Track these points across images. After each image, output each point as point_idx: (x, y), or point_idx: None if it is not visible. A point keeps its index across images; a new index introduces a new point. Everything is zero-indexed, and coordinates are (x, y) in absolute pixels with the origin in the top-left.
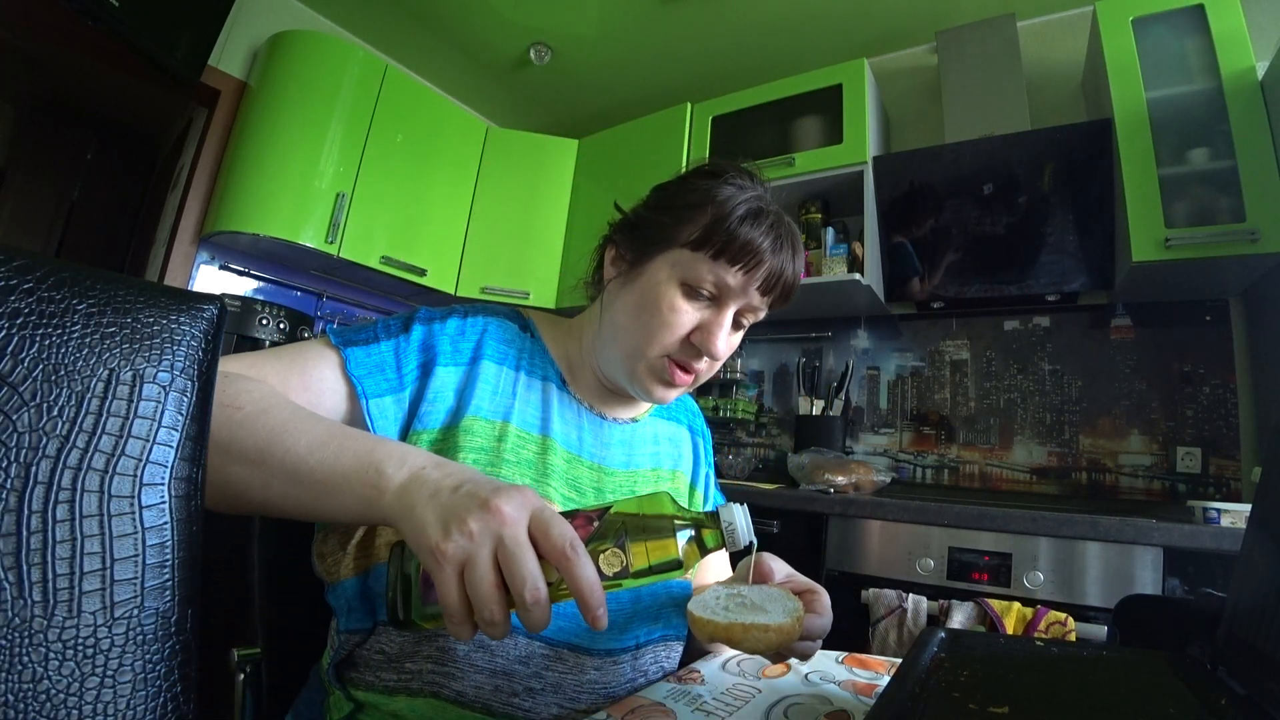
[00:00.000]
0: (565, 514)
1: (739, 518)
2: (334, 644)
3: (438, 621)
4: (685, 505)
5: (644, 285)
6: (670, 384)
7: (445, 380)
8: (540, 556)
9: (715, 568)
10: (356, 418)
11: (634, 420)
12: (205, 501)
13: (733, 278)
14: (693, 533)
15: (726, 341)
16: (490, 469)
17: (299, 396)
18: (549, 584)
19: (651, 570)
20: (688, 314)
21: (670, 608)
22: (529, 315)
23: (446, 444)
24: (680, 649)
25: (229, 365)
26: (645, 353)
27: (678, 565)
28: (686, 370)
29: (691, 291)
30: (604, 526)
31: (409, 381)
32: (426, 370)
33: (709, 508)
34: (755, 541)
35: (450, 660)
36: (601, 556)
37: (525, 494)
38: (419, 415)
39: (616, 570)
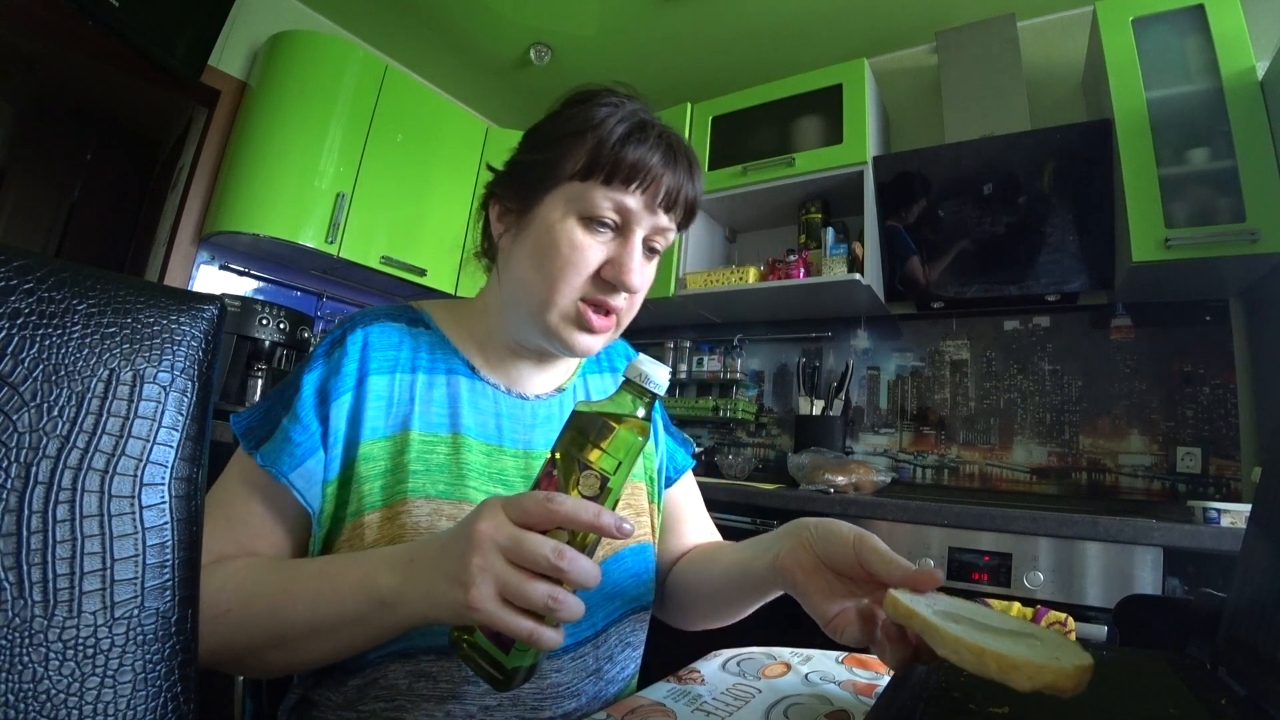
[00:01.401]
0: (533, 487)
1: (644, 365)
2: (293, 682)
3: (529, 650)
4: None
5: (538, 230)
6: (590, 329)
7: (339, 415)
8: (542, 531)
9: (694, 523)
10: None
11: (560, 390)
12: (274, 676)
13: (632, 199)
14: (621, 407)
15: (641, 272)
16: (397, 487)
17: (261, 542)
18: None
19: (623, 464)
20: (592, 249)
21: (628, 579)
22: (422, 307)
23: (349, 482)
24: (647, 619)
25: None
26: (555, 301)
27: (637, 439)
28: (604, 311)
29: (591, 224)
30: (562, 466)
31: (318, 437)
32: (326, 420)
33: (662, 454)
34: (667, 371)
35: (398, 695)
36: (580, 488)
37: (488, 503)
38: (327, 466)
39: (597, 487)
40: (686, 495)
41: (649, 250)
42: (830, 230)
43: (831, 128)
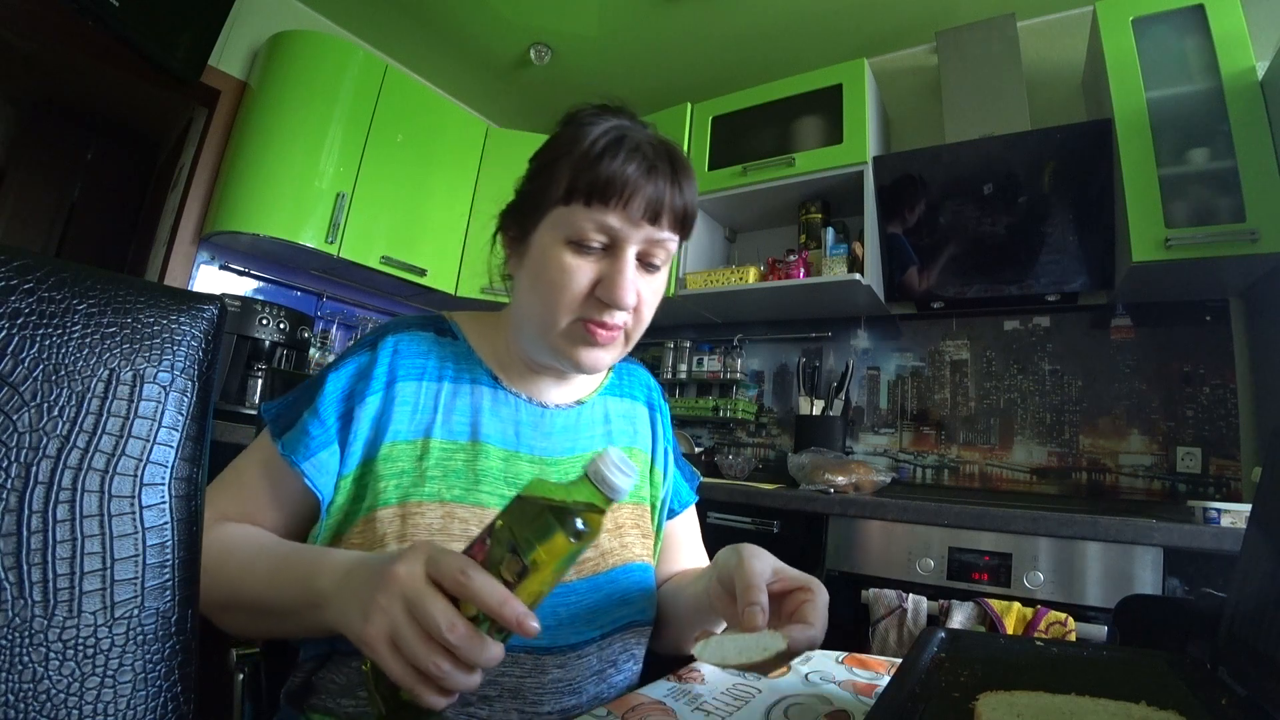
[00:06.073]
0: (467, 547)
1: (606, 469)
2: (295, 666)
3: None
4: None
5: (534, 257)
6: (593, 344)
7: (364, 415)
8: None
9: (687, 552)
10: (309, 490)
11: (579, 403)
12: (235, 635)
13: (614, 218)
14: (573, 504)
15: (633, 288)
16: (413, 489)
17: (262, 515)
18: (473, 617)
19: (551, 556)
20: (582, 270)
21: (635, 592)
22: (451, 318)
23: (366, 478)
24: (648, 634)
25: None
26: (555, 322)
27: (573, 542)
28: (606, 328)
29: (579, 247)
30: (495, 539)
31: (335, 431)
32: (349, 417)
33: (668, 486)
34: (635, 478)
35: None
36: (502, 567)
37: (418, 548)
38: (344, 459)
39: (518, 572)
40: (683, 527)
41: (648, 265)
42: (830, 230)
43: (831, 128)
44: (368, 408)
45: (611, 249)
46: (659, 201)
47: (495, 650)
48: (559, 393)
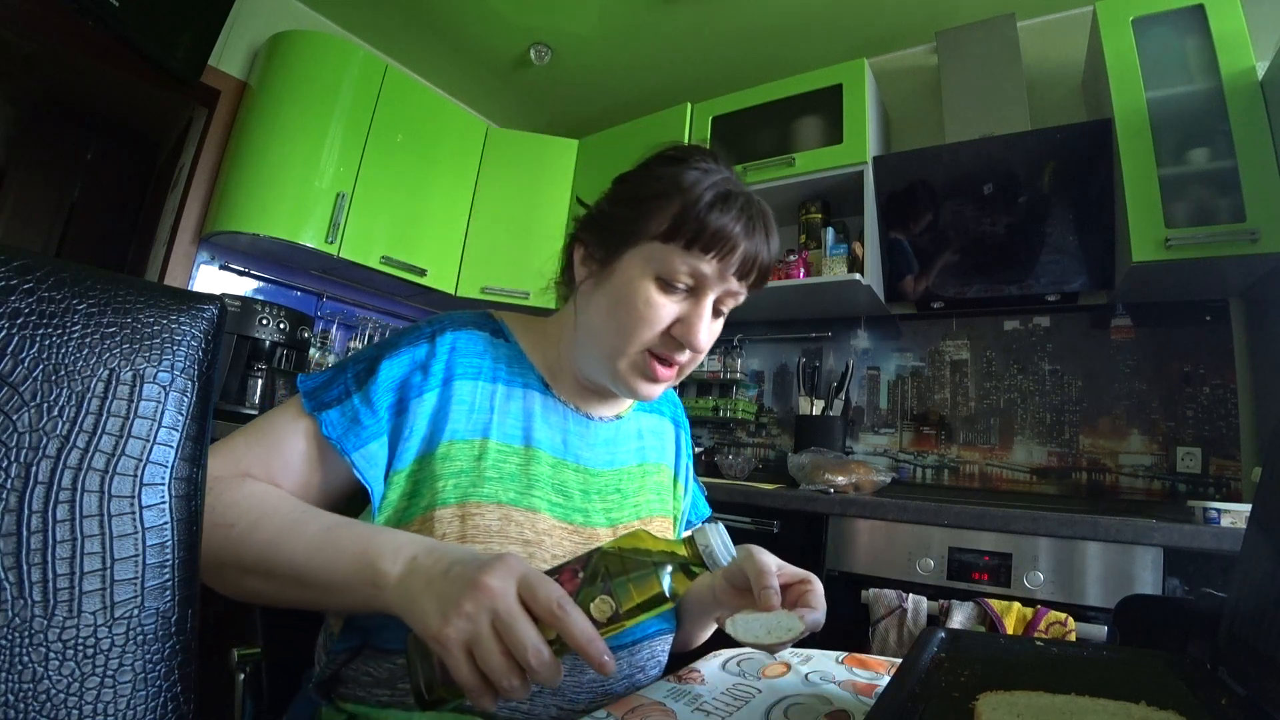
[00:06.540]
0: (553, 570)
1: (714, 540)
2: (320, 661)
3: (461, 695)
4: (670, 507)
5: (617, 284)
6: (654, 379)
7: (420, 410)
8: (535, 619)
9: None
10: (347, 474)
11: (618, 417)
12: (234, 598)
13: (708, 266)
14: (673, 564)
15: (708, 332)
16: (472, 489)
17: (287, 480)
18: (550, 641)
19: (642, 608)
20: (665, 308)
21: None
22: (501, 318)
23: (423, 474)
24: (671, 640)
25: (209, 466)
26: (625, 351)
27: (666, 599)
28: (668, 364)
29: (667, 285)
30: (590, 575)
31: (386, 423)
32: (401, 407)
33: (687, 501)
34: (735, 555)
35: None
36: (592, 605)
37: (509, 563)
38: (397, 454)
39: (609, 616)
40: None
41: (715, 311)
42: (830, 230)
43: (831, 128)
44: (424, 403)
45: (694, 292)
46: (753, 259)
47: (563, 673)
48: (602, 406)
